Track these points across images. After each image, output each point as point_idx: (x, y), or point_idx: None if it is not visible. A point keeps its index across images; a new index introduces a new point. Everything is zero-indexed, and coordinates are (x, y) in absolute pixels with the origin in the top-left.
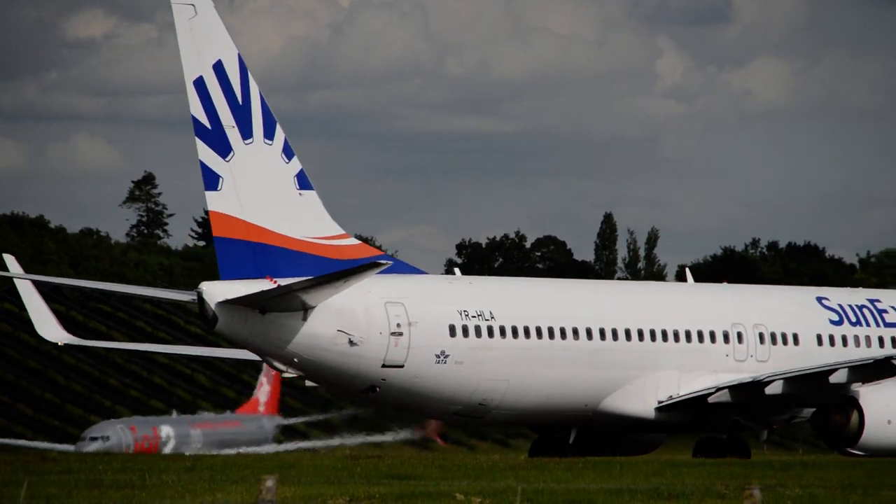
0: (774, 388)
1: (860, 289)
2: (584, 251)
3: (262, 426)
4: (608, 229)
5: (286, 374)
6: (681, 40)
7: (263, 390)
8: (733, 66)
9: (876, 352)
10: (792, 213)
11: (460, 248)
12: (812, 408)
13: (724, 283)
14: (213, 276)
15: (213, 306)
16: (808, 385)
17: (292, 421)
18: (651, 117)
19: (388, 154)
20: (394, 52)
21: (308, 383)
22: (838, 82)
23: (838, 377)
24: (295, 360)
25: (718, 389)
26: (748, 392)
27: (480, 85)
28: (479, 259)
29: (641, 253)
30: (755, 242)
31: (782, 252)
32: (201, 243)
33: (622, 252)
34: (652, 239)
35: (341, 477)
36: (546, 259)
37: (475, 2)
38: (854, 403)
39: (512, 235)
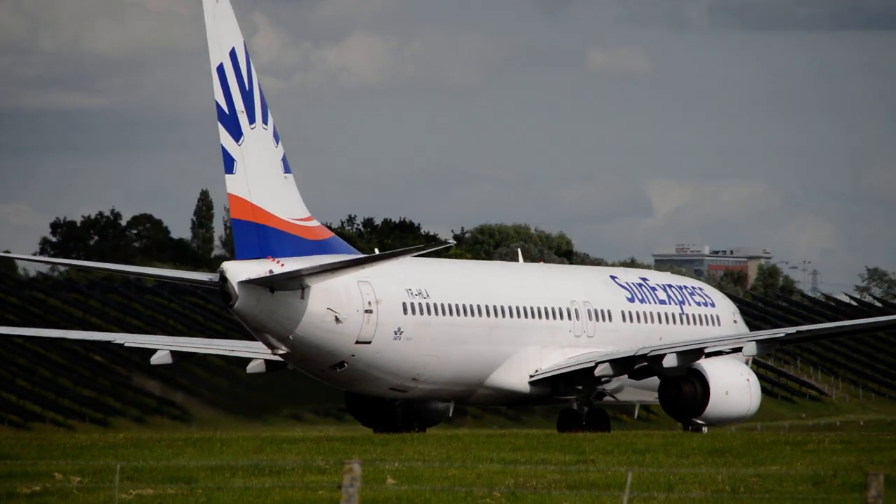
0: (670, 360)
1: (630, 269)
2: (180, 229)
3: None
4: (204, 206)
5: (278, 352)
6: (276, 16)
7: None
8: (329, 43)
9: (659, 327)
10: (386, 190)
11: (55, 226)
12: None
13: (542, 263)
14: None
15: (234, 285)
16: (692, 358)
17: None
18: None
19: None
20: None
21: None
22: (432, 59)
23: (749, 349)
24: (290, 336)
25: (600, 363)
26: (630, 364)
27: (74, 60)
28: (74, 238)
29: None
30: (351, 219)
31: (378, 228)
32: None
33: (219, 230)
34: None
35: None
36: (142, 237)
37: None
38: (698, 376)
39: (107, 213)
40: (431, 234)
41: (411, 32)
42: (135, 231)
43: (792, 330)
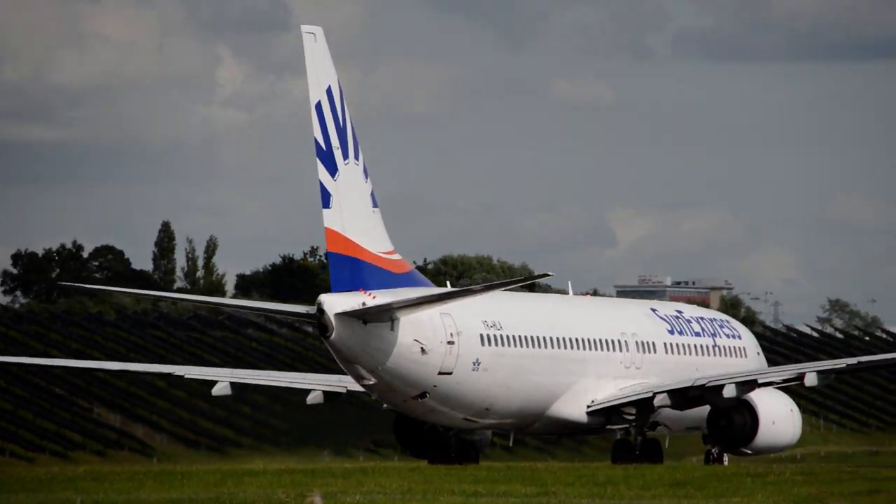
0: (729, 391)
1: (666, 301)
2: (142, 260)
3: None
4: (166, 238)
5: (365, 383)
6: (239, 48)
7: None
8: (293, 74)
9: (696, 359)
10: None
11: (16, 258)
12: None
13: (589, 296)
14: None
15: (331, 317)
16: (748, 388)
17: None
18: (210, 125)
19: None
20: None
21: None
22: (394, 89)
23: (810, 380)
24: (379, 367)
25: (658, 393)
26: (686, 394)
27: (36, 91)
28: (35, 269)
29: (200, 262)
30: (314, 251)
31: None
32: None
33: (181, 261)
34: (210, 248)
35: None
36: (104, 269)
37: (31, 7)
38: (747, 406)
39: (69, 245)
40: None
41: (374, 63)
42: (96, 263)
43: (853, 360)
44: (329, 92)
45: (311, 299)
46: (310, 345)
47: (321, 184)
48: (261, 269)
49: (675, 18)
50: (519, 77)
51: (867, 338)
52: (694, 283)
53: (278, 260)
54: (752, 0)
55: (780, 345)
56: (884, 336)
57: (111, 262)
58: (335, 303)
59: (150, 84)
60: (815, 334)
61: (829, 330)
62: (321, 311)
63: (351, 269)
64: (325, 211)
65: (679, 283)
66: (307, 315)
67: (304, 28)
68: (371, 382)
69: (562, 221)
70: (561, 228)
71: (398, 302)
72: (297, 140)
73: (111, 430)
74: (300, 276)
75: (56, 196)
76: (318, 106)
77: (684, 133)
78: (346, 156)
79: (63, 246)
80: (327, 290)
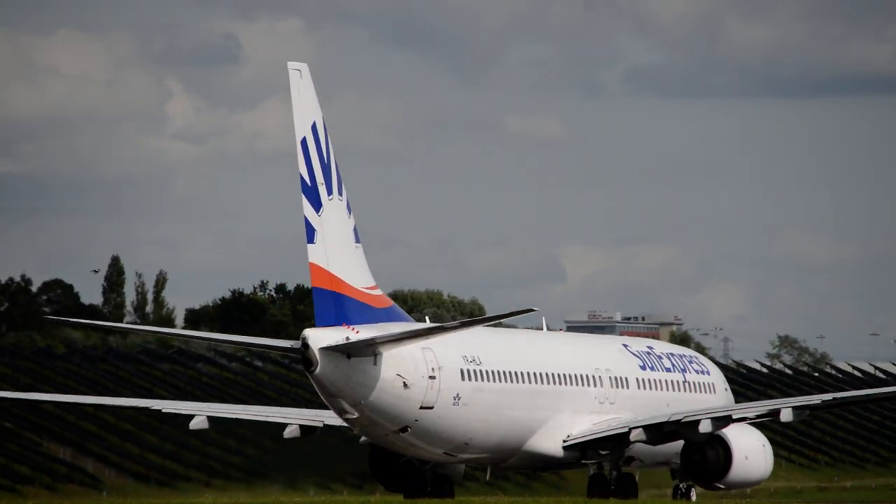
0: (705, 426)
1: (637, 338)
2: (91, 294)
3: None
4: (116, 272)
5: (348, 417)
6: (190, 82)
7: None
8: (244, 108)
9: (667, 395)
10: (299, 255)
11: None
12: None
13: (563, 331)
14: None
15: (316, 352)
16: (723, 424)
17: None
18: (161, 158)
19: None
20: None
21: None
22: (348, 124)
23: (786, 416)
24: (362, 401)
25: (633, 428)
26: (661, 429)
27: None
28: None
29: (150, 296)
30: (263, 285)
31: (290, 294)
32: None
33: (130, 295)
34: (160, 282)
35: None
36: (53, 303)
37: None
38: (721, 441)
39: (17, 279)
40: None
41: (327, 97)
42: (45, 297)
43: (828, 397)
44: (314, 128)
45: (260, 333)
46: (259, 379)
47: (306, 219)
48: (210, 304)
49: (628, 55)
50: (471, 112)
51: (816, 374)
52: (644, 318)
53: (228, 294)
54: (704, 37)
55: (729, 380)
56: (833, 372)
57: (60, 296)
58: (320, 337)
59: (101, 117)
60: (764, 370)
61: (778, 366)
62: (306, 345)
63: (335, 304)
64: (309, 246)
65: (629, 318)
66: (291, 349)
67: (291, 65)
68: (353, 416)
69: (512, 257)
70: (511, 264)
71: (382, 337)
72: (248, 174)
73: (61, 463)
74: (249, 311)
75: (4, 229)
76: (304, 142)
77: (635, 169)
78: (330, 191)
79: (12, 279)
80: (277, 324)
